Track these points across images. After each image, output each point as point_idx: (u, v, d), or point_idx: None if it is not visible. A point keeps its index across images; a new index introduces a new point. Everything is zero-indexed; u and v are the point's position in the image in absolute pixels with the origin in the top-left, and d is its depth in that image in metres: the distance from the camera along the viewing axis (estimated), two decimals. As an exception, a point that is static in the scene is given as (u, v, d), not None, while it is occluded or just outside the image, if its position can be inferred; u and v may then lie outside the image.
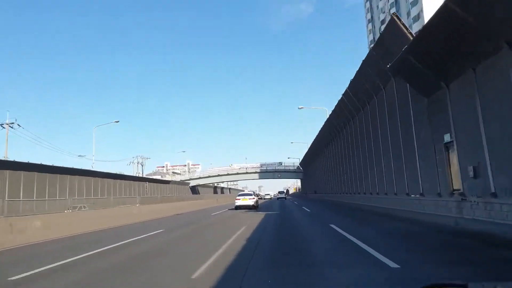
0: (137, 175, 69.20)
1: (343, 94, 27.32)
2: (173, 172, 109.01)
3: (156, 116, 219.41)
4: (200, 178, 78.07)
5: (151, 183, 58.33)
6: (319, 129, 43.40)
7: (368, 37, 72.25)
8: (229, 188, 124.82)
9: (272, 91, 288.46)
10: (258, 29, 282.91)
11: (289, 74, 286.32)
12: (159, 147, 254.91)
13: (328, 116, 35.52)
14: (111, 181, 44.92)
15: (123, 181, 48.44)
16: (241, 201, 28.49)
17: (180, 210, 27.23)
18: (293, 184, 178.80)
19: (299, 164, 76.36)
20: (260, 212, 22.24)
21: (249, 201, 28.40)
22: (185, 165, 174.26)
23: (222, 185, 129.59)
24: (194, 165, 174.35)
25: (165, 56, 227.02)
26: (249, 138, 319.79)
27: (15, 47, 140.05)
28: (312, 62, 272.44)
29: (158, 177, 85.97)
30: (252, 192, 36.51)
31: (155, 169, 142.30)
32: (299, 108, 40.30)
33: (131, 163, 70.57)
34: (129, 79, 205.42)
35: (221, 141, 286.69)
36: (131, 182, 51.07)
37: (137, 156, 70.91)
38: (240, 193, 34.09)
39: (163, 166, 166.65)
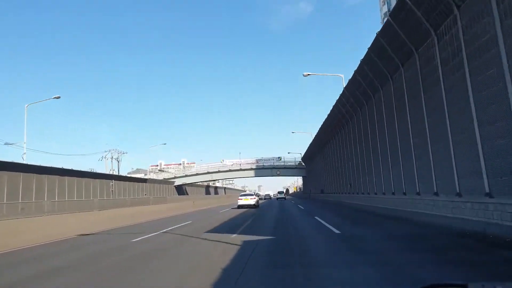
0: (112, 173, 57.31)
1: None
2: (159, 169, 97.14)
3: (156, 116, 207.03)
4: (186, 176, 66.02)
5: (121, 182, 46.17)
6: (324, 120, 31.63)
7: (381, 10, 60.38)
8: (224, 188, 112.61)
9: (272, 91, 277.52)
10: (258, 29, 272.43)
11: (289, 74, 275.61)
12: (156, 146, 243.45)
13: (344, 86, 23.64)
14: (56, 178, 32.94)
15: (76, 179, 36.40)
16: (243, 201, 29.10)
17: (99, 225, 15.21)
18: (293, 184, 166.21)
19: (301, 159, 64.30)
20: (232, 239, 10.17)
21: (251, 200, 29.10)
22: (180, 163, 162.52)
23: (217, 184, 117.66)
24: (189, 163, 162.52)
25: (165, 56, 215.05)
26: (248, 136, 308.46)
27: (15, 47, 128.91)
28: (312, 62, 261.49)
29: (142, 175, 74.04)
30: (254, 193, 39.27)
31: (148, 167, 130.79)
32: (304, 75, 28.32)
33: (103, 159, 58.54)
34: (129, 79, 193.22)
35: (220, 141, 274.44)
36: (89, 180, 38.96)
37: (110, 150, 58.87)
38: (242, 193, 35.17)
39: (157, 165, 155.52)
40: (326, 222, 13.60)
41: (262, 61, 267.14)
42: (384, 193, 19.16)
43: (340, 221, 14.55)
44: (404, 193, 15.96)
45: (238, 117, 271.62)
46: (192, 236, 10.92)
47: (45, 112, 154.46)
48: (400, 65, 15.70)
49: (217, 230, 12.76)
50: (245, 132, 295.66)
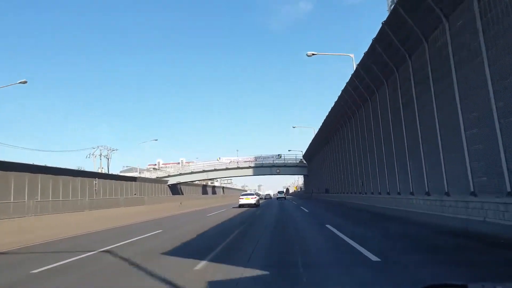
0: (101, 171, 53.05)
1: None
2: (153, 168, 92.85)
3: (156, 116, 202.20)
4: (181, 174, 61.70)
5: (107, 180, 41.83)
6: (330, 110, 27.35)
7: (388, -3, 56.05)
8: (223, 187, 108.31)
9: (272, 91, 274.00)
10: (258, 29, 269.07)
11: (289, 74, 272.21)
12: (155, 145, 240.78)
13: (357, 64, 19.27)
14: (25, 175, 28.63)
15: (52, 177, 32.07)
16: (244, 200, 29.84)
17: (30, 236, 10.88)
18: (293, 183, 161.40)
19: (302, 157, 59.96)
20: (194, 276, 5.80)
21: (251, 200, 29.83)
22: (179, 162, 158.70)
23: (216, 183, 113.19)
24: (188, 162, 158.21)
25: (165, 56, 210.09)
26: (248, 136, 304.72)
27: (15, 47, 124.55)
28: (312, 61, 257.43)
29: (135, 173, 69.72)
30: (254, 192, 42.30)
31: (146, 166, 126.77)
32: (308, 56, 23.90)
33: (91, 156, 54.19)
34: (129, 79, 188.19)
35: (220, 140, 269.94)
36: (68, 178, 34.60)
37: (99, 147, 54.53)
38: (243, 193, 36.26)
39: (155, 164, 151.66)
40: (345, 235, 9.24)
41: (262, 61, 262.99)
42: (412, 193, 14.81)
43: (365, 233, 10.17)
44: (447, 193, 11.61)
45: (238, 117, 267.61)
46: (136, 265, 6.57)
47: (44, 112, 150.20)
48: (443, 17, 11.32)
49: (184, 249, 8.42)
50: (245, 132, 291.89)
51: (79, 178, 36.27)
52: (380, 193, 19.46)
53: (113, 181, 43.43)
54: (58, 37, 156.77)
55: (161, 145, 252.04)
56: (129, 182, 47.33)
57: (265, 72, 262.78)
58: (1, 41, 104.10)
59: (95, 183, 39.49)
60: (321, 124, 37.94)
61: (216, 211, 24.54)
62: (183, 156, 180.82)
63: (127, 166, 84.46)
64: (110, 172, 54.58)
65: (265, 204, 38.58)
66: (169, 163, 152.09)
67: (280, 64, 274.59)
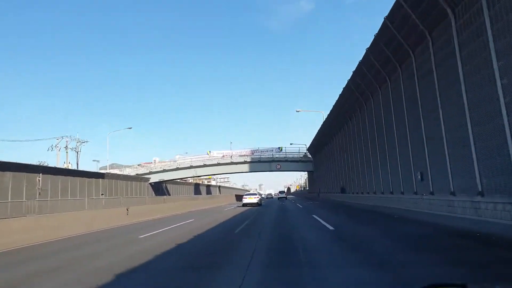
0: (66, 167, 43.30)
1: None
2: (138, 164, 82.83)
3: (156, 116, 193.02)
4: (164, 171, 51.96)
5: (59, 177, 31.99)
6: (349, 79, 17.66)
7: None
8: (219, 187, 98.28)
9: (271, 90, 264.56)
10: (258, 29, 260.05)
11: (289, 74, 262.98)
12: (154, 145, 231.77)
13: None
14: None
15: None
16: (248, 200, 31.96)
17: None
18: (294, 182, 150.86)
19: (307, 149, 50.04)
20: None
21: (254, 199, 31.96)
22: (175, 160, 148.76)
23: (213, 182, 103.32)
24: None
25: (165, 56, 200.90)
26: (248, 136, 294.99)
27: (15, 47, 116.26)
28: (312, 61, 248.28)
29: (116, 171, 59.94)
30: (257, 192, 50.34)
31: (141, 163, 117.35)
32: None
33: (54, 147, 44.22)
34: (129, 79, 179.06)
35: (219, 140, 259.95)
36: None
37: (63, 137, 44.59)
38: (247, 193, 38.90)
39: (151, 162, 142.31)
40: None
41: (262, 61, 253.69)
42: None
43: None
44: None
45: (238, 117, 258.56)
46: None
47: (45, 113, 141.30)
48: None
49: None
50: (245, 132, 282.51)
51: (10, 173, 26.49)
52: (482, 195, 9.51)
53: (69, 177, 33.68)
54: (58, 37, 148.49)
55: (160, 144, 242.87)
56: (93, 180, 37.53)
57: (265, 72, 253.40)
58: (1, 41, 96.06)
59: (39, 180, 29.76)
60: (328, 113, 28.14)
61: (171, 225, 14.72)
62: (178, 153, 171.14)
63: (95, 160, 74.86)
64: (78, 168, 44.75)
65: (265, 204, 34.97)
66: (164, 161, 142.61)
67: (280, 64, 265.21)
